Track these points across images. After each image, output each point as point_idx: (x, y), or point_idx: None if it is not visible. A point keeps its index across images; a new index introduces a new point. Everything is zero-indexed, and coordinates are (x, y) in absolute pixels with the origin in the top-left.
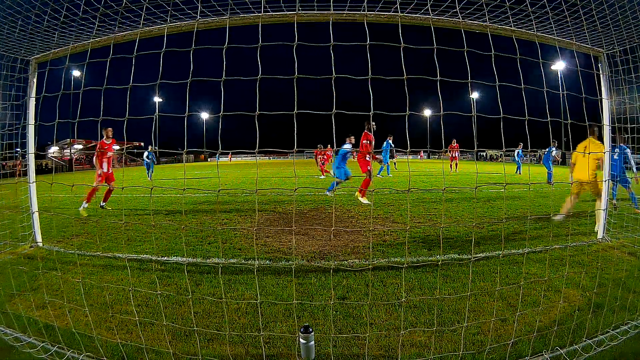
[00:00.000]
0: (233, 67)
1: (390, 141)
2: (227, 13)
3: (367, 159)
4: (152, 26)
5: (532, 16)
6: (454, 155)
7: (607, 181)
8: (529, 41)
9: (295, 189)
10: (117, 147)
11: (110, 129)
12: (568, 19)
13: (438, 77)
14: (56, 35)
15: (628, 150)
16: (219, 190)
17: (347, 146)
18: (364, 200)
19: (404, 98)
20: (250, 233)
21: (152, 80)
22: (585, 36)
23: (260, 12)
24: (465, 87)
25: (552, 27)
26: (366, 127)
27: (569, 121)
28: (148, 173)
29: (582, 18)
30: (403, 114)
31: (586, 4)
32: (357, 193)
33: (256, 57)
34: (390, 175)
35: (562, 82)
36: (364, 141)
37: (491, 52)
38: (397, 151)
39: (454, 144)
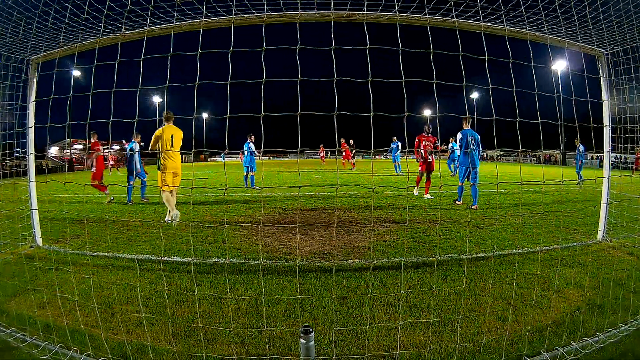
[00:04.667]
0: (234, 67)
1: (396, 141)
2: (232, 14)
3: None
4: (153, 26)
5: (521, 16)
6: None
7: (608, 180)
8: (532, 42)
9: (299, 187)
10: (117, 147)
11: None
12: (568, 19)
13: (434, 80)
14: (61, 36)
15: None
16: (225, 189)
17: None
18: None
19: (406, 97)
20: (250, 233)
21: (152, 79)
22: (585, 36)
23: (262, 12)
24: (468, 84)
25: (555, 28)
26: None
27: (553, 122)
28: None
29: (577, 18)
30: (402, 115)
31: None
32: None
33: (252, 57)
34: (401, 174)
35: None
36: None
37: (490, 54)
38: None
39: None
